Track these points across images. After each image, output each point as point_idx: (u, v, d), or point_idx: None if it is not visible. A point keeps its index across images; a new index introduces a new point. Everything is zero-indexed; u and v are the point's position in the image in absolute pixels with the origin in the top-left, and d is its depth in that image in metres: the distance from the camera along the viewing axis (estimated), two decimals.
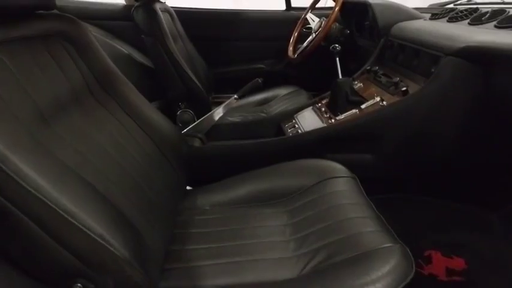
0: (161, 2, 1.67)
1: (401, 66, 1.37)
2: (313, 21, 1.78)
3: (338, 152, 1.24)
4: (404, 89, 1.20)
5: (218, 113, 1.33)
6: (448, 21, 1.36)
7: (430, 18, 1.50)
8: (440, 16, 1.45)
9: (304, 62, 1.84)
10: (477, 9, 1.34)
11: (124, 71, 1.85)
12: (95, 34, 1.82)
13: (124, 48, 1.82)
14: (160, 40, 1.39)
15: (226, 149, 1.27)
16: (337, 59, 1.36)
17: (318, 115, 1.40)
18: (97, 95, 0.84)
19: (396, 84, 1.26)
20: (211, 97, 2.06)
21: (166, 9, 1.71)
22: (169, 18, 1.73)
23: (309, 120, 1.39)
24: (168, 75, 1.45)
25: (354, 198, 0.93)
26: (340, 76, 1.37)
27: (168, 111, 1.58)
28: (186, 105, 1.50)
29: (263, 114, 1.83)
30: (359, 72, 1.53)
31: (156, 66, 1.49)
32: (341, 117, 1.29)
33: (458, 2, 1.68)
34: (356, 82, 1.48)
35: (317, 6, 1.92)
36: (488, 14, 1.23)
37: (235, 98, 1.32)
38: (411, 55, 1.31)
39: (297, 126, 1.39)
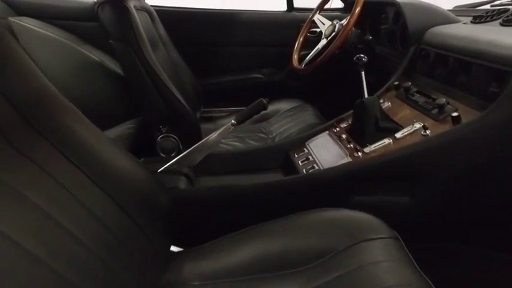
0: (138, 0, 1.35)
1: (441, 82, 1.08)
2: (323, 24, 1.48)
3: (368, 194, 0.95)
4: (455, 114, 0.91)
5: (210, 142, 1.01)
6: (502, 24, 1.08)
7: (473, 22, 1.22)
8: (487, 19, 1.17)
9: (310, 72, 1.55)
10: None
11: (94, 82, 1.54)
12: (57, 38, 1.51)
13: (94, 55, 1.50)
14: (133, 46, 1.07)
15: (222, 193, 0.96)
16: (363, 73, 1.07)
17: (337, 144, 1.10)
18: (16, 137, 0.52)
19: (441, 107, 0.97)
20: (199, 112, 1.74)
21: (145, 8, 1.38)
22: (149, 19, 1.41)
23: (326, 151, 1.09)
24: (144, 91, 1.13)
25: (403, 274, 0.65)
26: (366, 95, 1.07)
27: (147, 135, 1.27)
28: (168, 129, 1.18)
29: (263, 135, 1.53)
30: (384, 88, 1.24)
31: (130, 79, 1.16)
32: (370, 148, 1.00)
33: (497, 2, 1.41)
34: (382, 101, 1.18)
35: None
36: None
37: (232, 124, 1.02)
38: (457, 69, 1.02)
39: (311, 158, 1.09)
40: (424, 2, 1.31)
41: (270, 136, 1.52)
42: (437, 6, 1.30)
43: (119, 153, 0.70)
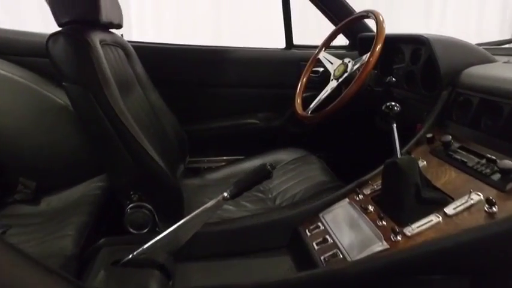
0: (110, 32, 1.11)
1: (492, 136, 0.84)
2: (331, 63, 1.26)
3: None
4: None
5: (195, 221, 0.73)
6: None
7: None
8: None
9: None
10: None
11: (58, 128, 1.26)
12: (10, 76, 1.25)
13: (58, 97, 1.25)
14: (94, 91, 0.80)
15: None
16: (394, 126, 0.82)
17: (364, 220, 0.82)
18: None
19: (506, 173, 0.72)
20: (184, 164, 1.46)
21: (118, 43, 1.14)
22: (123, 56, 1.16)
23: (350, 230, 0.81)
24: (108, 148, 0.85)
25: None
26: (399, 154, 0.82)
27: (114, 203, 0.98)
28: (140, 197, 0.89)
29: (261, 195, 1.26)
30: (413, 141, 0.99)
31: (89, 133, 0.88)
32: (413, 229, 0.73)
33: None
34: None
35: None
36: None
37: (224, 198, 0.74)
38: None
39: (329, 239, 0.81)
40: (454, 38, 1.10)
41: (270, 196, 1.25)
42: (470, 43, 1.10)
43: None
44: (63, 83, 0.84)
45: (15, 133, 1.25)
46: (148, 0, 2.65)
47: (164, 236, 0.73)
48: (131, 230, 0.90)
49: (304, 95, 1.37)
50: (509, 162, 0.72)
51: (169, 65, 1.54)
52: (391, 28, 1.25)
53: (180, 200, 0.96)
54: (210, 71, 1.57)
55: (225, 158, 1.69)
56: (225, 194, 0.75)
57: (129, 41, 1.38)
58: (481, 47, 1.12)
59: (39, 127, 1.26)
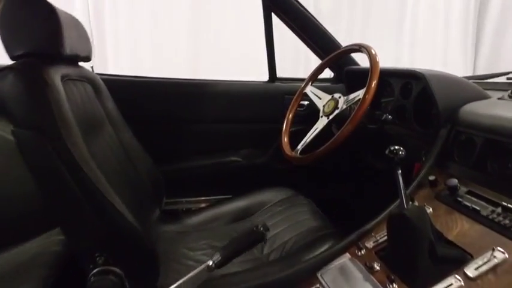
0: (76, 66, 0.99)
1: (503, 180, 0.77)
2: (319, 98, 1.19)
3: None
4: None
5: None
6: None
7: None
8: None
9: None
10: None
11: (9, 173, 1.11)
12: None
13: (6, 132, 1.09)
14: (50, 137, 0.67)
15: None
16: (399, 172, 0.73)
17: (371, 282, 0.71)
18: None
19: None
20: (160, 207, 1.32)
21: (87, 78, 1.02)
22: (91, 92, 1.04)
23: None
24: (67, 202, 0.71)
25: None
26: (406, 204, 0.72)
27: (76, 265, 0.82)
28: (107, 259, 0.74)
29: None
30: (414, 184, 0.91)
31: (43, 186, 0.73)
32: None
33: None
34: (416, 203, 0.84)
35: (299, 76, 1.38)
36: None
37: (208, 268, 0.61)
38: None
39: None
40: (447, 73, 1.05)
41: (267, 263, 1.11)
42: (463, 78, 1.05)
43: None
44: (12, 128, 0.71)
45: None
46: (125, 31, 2.55)
47: None
48: None
49: (296, 127, 1.29)
50: None
51: (145, 99, 1.43)
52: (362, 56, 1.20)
53: (155, 262, 0.82)
54: (189, 105, 1.47)
55: (205, 198, 1.56)
56: (210, 263, 0.62)
57: (99, 74, 1.26)
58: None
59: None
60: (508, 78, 1.26)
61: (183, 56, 2.58)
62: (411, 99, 1.14)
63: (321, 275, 0.78)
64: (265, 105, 1.52)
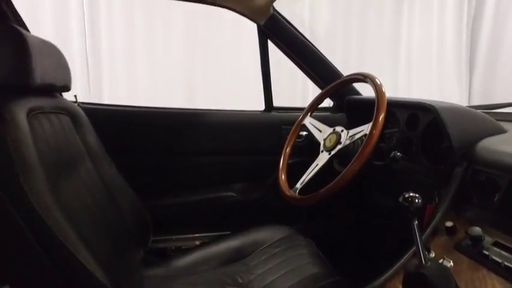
0: (52, 97, 0.90)
1: None
2: (319, 130, 1.10)
3: None
4: None
5: None
6: None
7: None
8: None
9: None
10: None
11: None
12: None
13: None
14: (4, 181, 0.57)
15: None
16: (416, 223, 0.63)
17: None
18: None
19: None
20: (145, 248, 1.20)
21: (64, 109, 0.92)
22: (69, 125, 0.94)
23: None
24: (21, 259, 0.60)
25: None
26: (425, 261, 0.61)
27: None
28: None
29: None
30: (428, 231, 0.80)
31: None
32: None
33: None
34: (433, 255, 0.74)
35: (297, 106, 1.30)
36: None
37: None
38: None
39: None
40: (458, 105, 0.97)
41: None
42: (475, 110, 0.97)
43: None
44: None
45: None
46: (121, 61, 2.51)
47: None
48: None
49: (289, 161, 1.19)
50: None
51: (133, 130, 1.33)
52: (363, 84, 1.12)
53: None
54: (180, 137, 1.37)
55: (196, 235, 1.44)
56: None
57: (83, 103, 1.17)
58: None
59: None
60: None
61: (179, 85, 2.54)
62: (418, 132, 1.05)
63: None
64: (261, 136, 1.43)
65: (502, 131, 0.93)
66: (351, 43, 3.04)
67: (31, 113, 0.72)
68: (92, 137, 1.04)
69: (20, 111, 0.67)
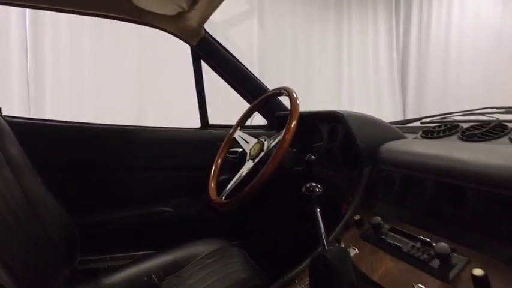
0: None
1: (422, 214, 0.76)
2: (247, 142, 1.16)
3: None
4: (479, 273, 0.55)
5: None
6: (463, 139, 0.85)
7: (425, 137, 1.00)
8: (441, 134, 0.95)
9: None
10: (502, 125, 0.88)
11: None
12: None
13: None
14: None
15: None
16: (318, 211, 0.70)
17: None
18: None
19: (444, 258, 0.62)
20: (71, 268, 1.15)
21: None
22: None
23: None
24: None
25: None
26: (326, 244, 0.68)
27: None
28: None
29: None
30: (340, 226, 0.88)
31: None
32: None
33: (427, 119, 1.26)
34: (343, 245, 0.81)
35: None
36: None
37: None
38: (441, 196, 0.72)
39: None
40: (366, 114, 1.09)
41: None
42: (380, 119, 1.09)
43: None
44: None
45: None
46: (67, 78, 2.49)
47: None
48: None
49: (221, 177, 1.23)
50: (446, 245, 0.62)
51: (64, 144, 1.31)
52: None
53: None
54: (116, 152, 1.37)
55: (131, 254, 1.40)
56: None
57: (8, 117, 1.15)
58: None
59: None
60: (421, 123, 1.34)
61: (126, 103, 2.58)
62: (337, 142, 1.16)
63: None
64: (197, 152, 1.47)
65: (403, 137, 1.06)
66: (298, 76, 3.35)
67: None
68: (14, 149, 1.02)
69: None
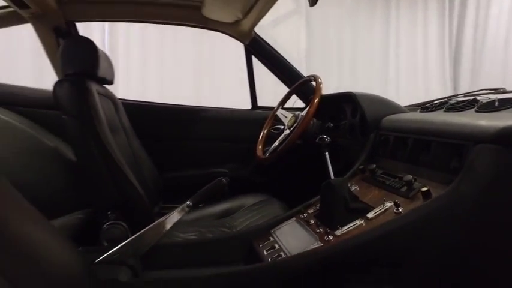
0: (103, 86, 1.35)
1: (405, 162, 1.07)
2: (286, 117, 1.52)
3: (344, 285, 0.83)
4: (425, 189, 0.86)
5: (162, 227, 0.88)
6: (446, 111, 1.14)
7: (422, 111, 1.29)
8: (433, 109, 1.24)
9: (276, 165, 1.52)
10: (475, 100, 1.16)
11: (46, 169, 1.42)
12: (8, 121, 1.43)
13: (49, 141, 1.41)
14: (87, 124, 1.00)
15: (170, 286, 0.79)
16: (327, 153, 1.04)
17: (306, 230, 0.99)
18: None
19: (409, 184, 0.93)
20: (158, 207, 1.60)
21: (109, 96, 1.37)
22: (112, 107, 1.39)
23: (294, 238, 0.97)
24: (94, 172, 1.02)
25: None
26: (332, 176, 1.02)
27: (93, 224, 1.11)
28: (117, 216, 1.03)
29: (226, 230, 1.40)
30: (350, 172, 1.21)
31: (80, 160, 1.06)
32: (342, 231, 0.90)
33: (437, 101, 1.52)
34: (349, 184, 1.14)
35: (285, 106, 1.72)
36: (497, 102, 1.03)
37: (187, 206, 0.91)
38: (417, 148, 1.03)
39: (277, 246, 0.97)
40: (374, 94, 1.39)
41: (234, 230, 1.39)
42: (387, 98, 1.39)
43: (52, 241, 0.58)
44: (63, 116, 1.04)
45: (8, 170, 1.38)
46: (135, 61, 3.08)
47: (133, 238, 0.87)
48: (105, 244, 1.03)
49: (266, 148, 1.61)
50: (410, 176, 0.93)
51: (150, 120, 1.78)
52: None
53: (152, 220, 1.10)
54: (186, 127, 1.82)
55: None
56: (188, 202, 0.92)
57: (121, 99, 1.63)
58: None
59: (30, 166, 1.40)
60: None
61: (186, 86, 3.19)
62: (357, 118, 1.47)
63: (273, 232, 1.06)
64: (248, 128, 1.86)
65: (403, 111, 1.35)
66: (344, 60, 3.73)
67: (97, 92, 1.16)
68: (124, 119, 1.48)
69: (93, 89, 1.12)
